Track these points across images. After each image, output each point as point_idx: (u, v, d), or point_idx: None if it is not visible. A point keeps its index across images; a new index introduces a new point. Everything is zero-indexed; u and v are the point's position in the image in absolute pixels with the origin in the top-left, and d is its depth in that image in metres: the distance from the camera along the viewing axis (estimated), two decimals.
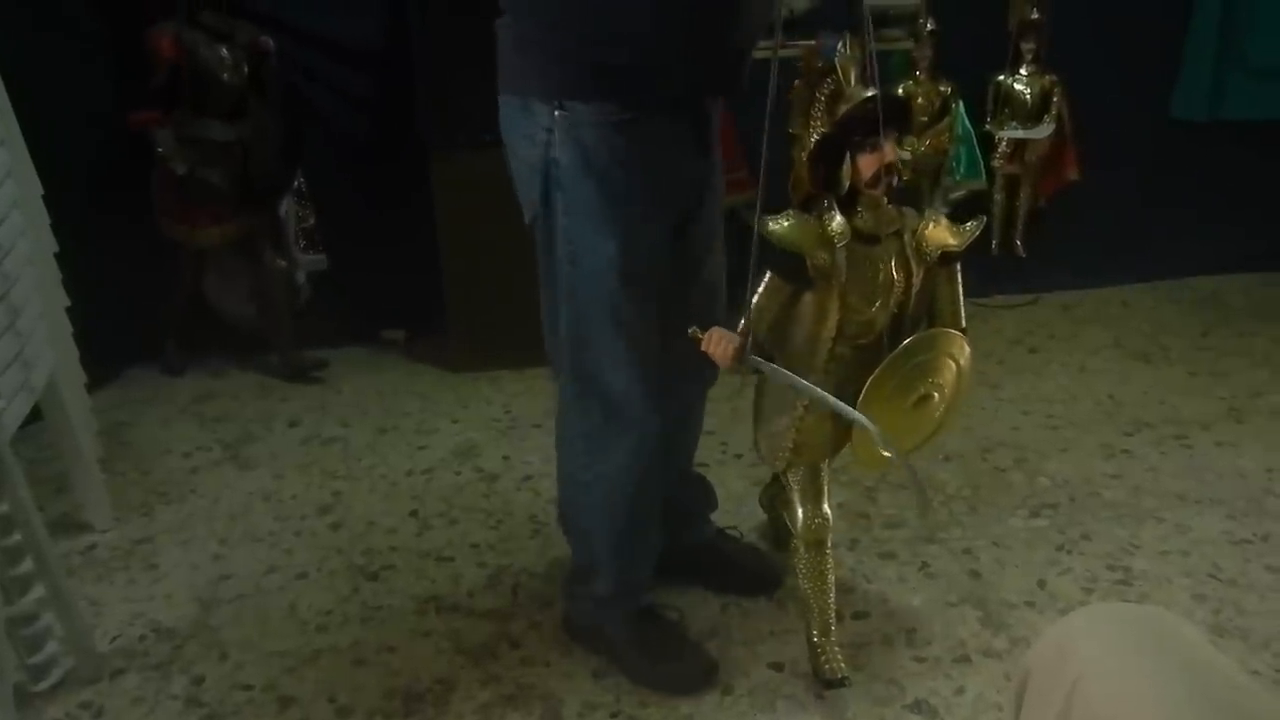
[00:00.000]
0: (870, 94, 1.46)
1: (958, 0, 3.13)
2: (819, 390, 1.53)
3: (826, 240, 1.52)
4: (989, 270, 3.55)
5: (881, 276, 1.56)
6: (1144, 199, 3.50)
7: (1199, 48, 3.42)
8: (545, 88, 1.48)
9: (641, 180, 1.52)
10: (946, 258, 1.61)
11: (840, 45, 1.49)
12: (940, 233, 1.58)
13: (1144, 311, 3.45)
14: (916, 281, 1.59)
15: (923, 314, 1.66)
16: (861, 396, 1.54)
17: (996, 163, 3.39)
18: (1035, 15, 3.23)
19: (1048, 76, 3.30)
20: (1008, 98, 3.34)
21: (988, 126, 3.37)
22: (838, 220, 1.52)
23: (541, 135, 1.49)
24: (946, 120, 3.32)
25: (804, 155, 1.56)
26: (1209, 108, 3.46)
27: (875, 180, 1.50)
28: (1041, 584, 1.99)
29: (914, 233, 1.57)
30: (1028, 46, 3.28)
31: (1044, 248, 3.53)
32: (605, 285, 1.55)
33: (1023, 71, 3.31)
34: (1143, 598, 1.95)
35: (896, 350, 1.54)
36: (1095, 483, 2.36)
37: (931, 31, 3.20)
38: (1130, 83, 3.36)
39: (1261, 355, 3.06)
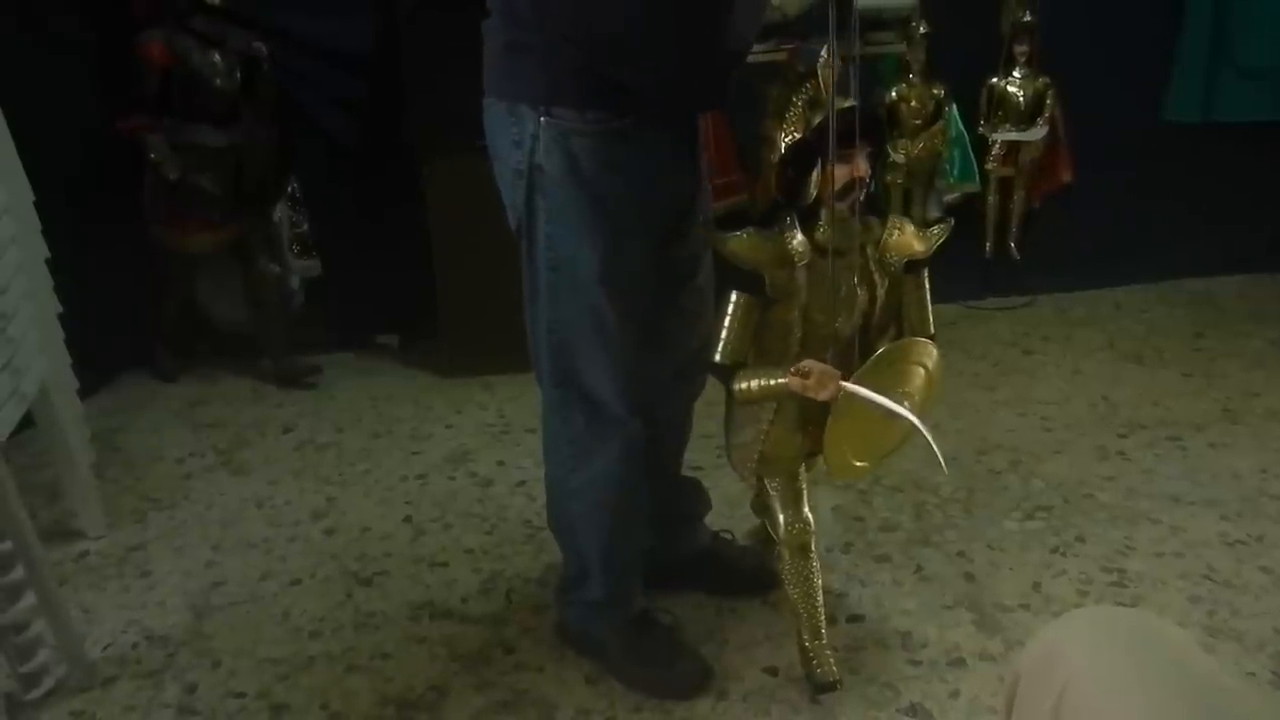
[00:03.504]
0: (849, 104, 1.44)
1: (951, 3, 3.14)
2: (914, 418, 1.49)
3: (786, 258, 1.50)
4: (983, 273, 3.57)
5: (844, 291, 1.54)
6: (1137, 201, 3.51)
7: (1190, 50, 3.43)
8: (534, 93, 1.47)
9: (628, 191, 1.50)
10: (912, 265, 1.59)
11: (822, 52, 1.46)
12: (906, 240, 1.57)
13: (1137, 313, 3.45)
14: (881, 293, 1.57)
15: (890, 322, 1.64)
16: (833, 409, 1.52)
17: (990, 165, 3.40)
18: (1028, 18, 3.23)
19: (1040, 79, 3.31)
20: (1001, 100, 3.35)
21: (981, 129, 3.38)
22: (798, 239, 1.50)
23: (527, 141, 1.48)
24: (940, 123, 3.33)
25: (774, 159, 1.54)
26: (1201, 109, 3.47)
27: (844, 192, 1.48)
28: (1036, 586, 1.99)
29: (877, 244, 1.55)
30: (1020, 49, 3.28)
31: (1038, 250, 3.53)
32: (587, 292, 1.53)
33: (1016, 74, 3.32)
34: (1138, 600, 1.95)
35: (869, 362, 1.51)
36: (1090, 485, 2.36)
37: (924, 34, 3.20)
38: (1122, 85, 3.37)
39: (1255, 356, 3.06)
